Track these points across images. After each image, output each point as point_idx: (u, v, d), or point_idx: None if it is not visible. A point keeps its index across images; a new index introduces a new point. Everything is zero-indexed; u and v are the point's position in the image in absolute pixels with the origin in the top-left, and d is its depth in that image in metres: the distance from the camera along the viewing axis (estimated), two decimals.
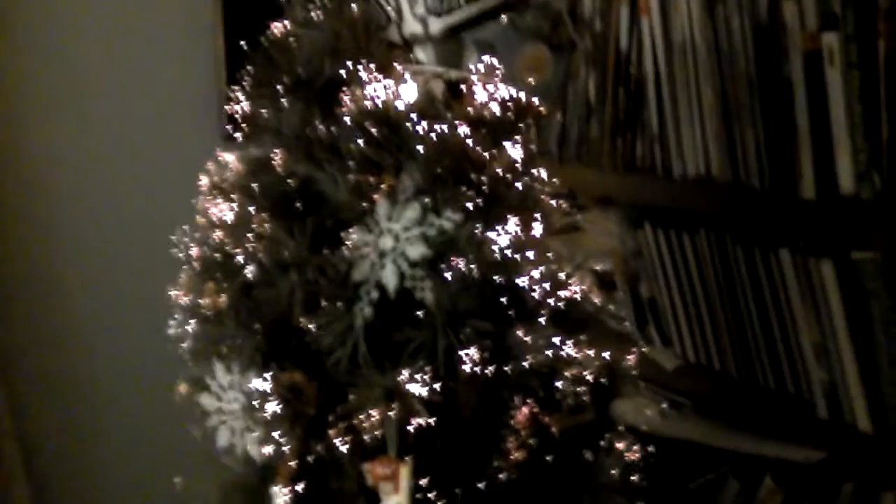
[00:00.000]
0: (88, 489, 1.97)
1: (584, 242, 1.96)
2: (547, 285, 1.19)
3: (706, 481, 1.84)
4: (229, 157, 1.37)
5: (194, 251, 1.32)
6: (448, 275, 1.17)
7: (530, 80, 1.22)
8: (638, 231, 1.96)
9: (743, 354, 1.83)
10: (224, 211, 1.29)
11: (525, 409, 1.23)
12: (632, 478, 1.28)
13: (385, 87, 1.19)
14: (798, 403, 1.76)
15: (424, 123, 1.19)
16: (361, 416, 1.18)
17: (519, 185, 1.19)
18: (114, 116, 1.93)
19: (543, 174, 1.23)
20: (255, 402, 1.23)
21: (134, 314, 1.90)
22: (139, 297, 1.87)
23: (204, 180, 1.35)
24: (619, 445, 1.28)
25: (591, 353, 1.25)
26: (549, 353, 1.18)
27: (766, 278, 1.76)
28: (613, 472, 1.26)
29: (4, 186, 1.85)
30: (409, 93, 1.20)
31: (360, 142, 1.20)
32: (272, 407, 1.21)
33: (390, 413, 1.16)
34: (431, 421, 1.16)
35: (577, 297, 1.22)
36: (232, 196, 1.29)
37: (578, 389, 1.24)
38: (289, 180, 1.26)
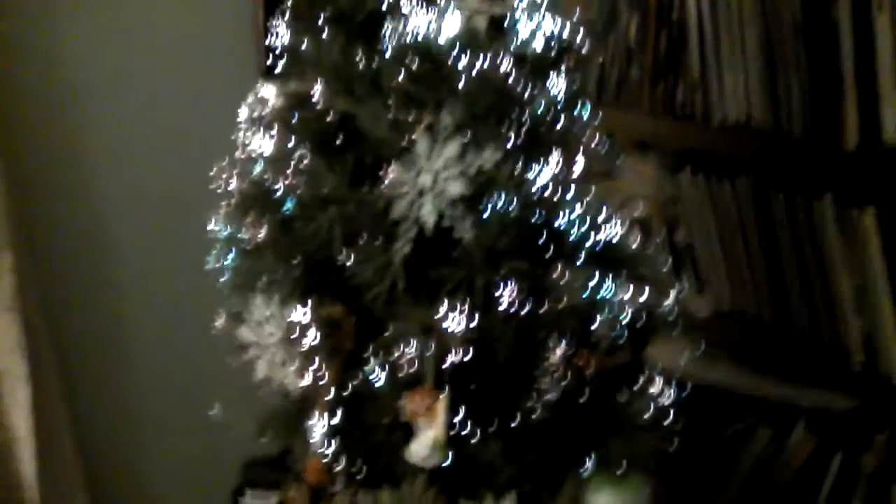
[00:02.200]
0: (126, 421, 2.01)
1: (621, 187, 1.94)
2: (586, 225, 1.19)
3: (738, 428, 1.85)
4: (269, 91, 1.37)
5: (234, 184, 1.32)
6: (487, 213, 1.17)
7: (575, 16, 1.20)
8: (676, 177, 1.94)
9: (779, 301, 1.82)
10: (264, 144, 1.29)
11: (560, 349, 1.23)
12: (664, 421, 1.28)
13: (427, 20, 1.18)
14: (833, 352, 1.75)
15: (466, 59, 1.17)
16: (398, 351, 1.19)
17: (560, 123, 1.18)
18: (150, 50, 1.92)
19: (586, 113, 1.22)
20: (293, 335, 1.24)
21: (172, 247, 1.92)
22: (177, 231, 1.89)
23: (244, 113, 1.35)
24: (653, 388, 1.28)
25: (629, 294, 1.24)
26: (586, 293, 1.17)
27: (806, 226, 1.74)
28: (646, 414, 1.26)
29: (42, 120, 1.87)
30: (451, 27, 1.18)
31: (401, 77, 1.19)
32: (310, 340, 1.22)
33: (427, 348, 1.17)
34: (467, 357, 1.17)
35: (616, 238, 1.21)
36: (272, 130, 1.29)
37: (614, 331, 1.24)
38: (328, 115, 1.26)
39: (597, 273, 1.19)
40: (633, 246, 1.25)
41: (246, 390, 1.38)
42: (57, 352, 1.80)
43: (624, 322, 1.25)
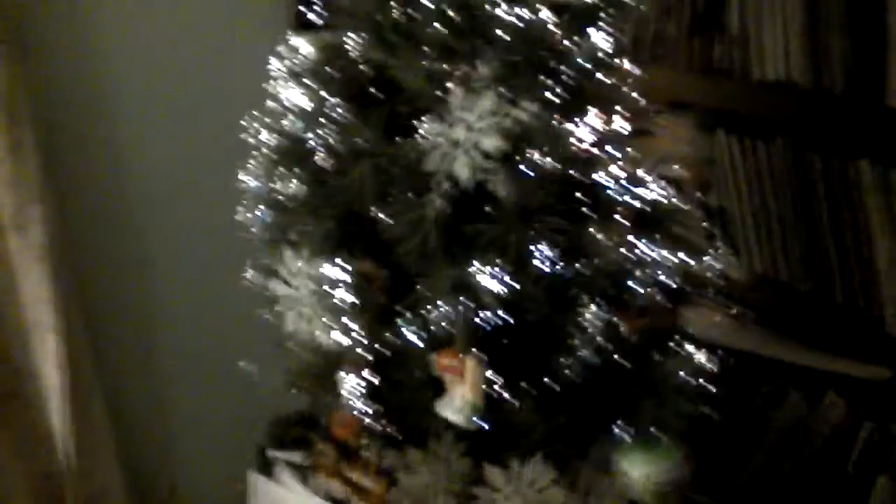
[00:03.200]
0: (152, 376, 2.01)
1: (655, 146, 1.90)
2: (624, 184, 1.16)
3: (768, 391, 1.83)
4: (302, 43, 1.34)
5: (265, 137, 1.30)
6: (522, 168, 1.14)
7: None
8: (711, 137, 1.90)
9: (813, 267, 1.79)
10: (297, 96, 1.26)
11: (594, 308, 1.21)
12: (697, 383, 1.26)
13: None
14: (867, 319, 1.72)
15: (504, 7, 1.14)
16: (430, 307, 1.17)
17: (602, 76, 1.15)
18: (182, 10, 1.90)
19: (628, 67, 1.19)
20: (324, 289, 1.23)
21: (202, 201, 1.90)
22: (207, 185, 1.87)
23: (276, 65, 1.33)
24: (686, 352, 1.26)
25: (665, 254, 1.22)
26: (622, 252, 1.15)
27: (843, 189, 1.70)
28: (680, 376, 1.25)
29: (71, 79, 1.85)
30: None
31: (436, 26, 1.16)
32: (342, 294, 1.21)
33: (459, 305, 1.15)
34: (500, 315, 1.16)
35: (654, 198, 1.18)
36: (305, 82, 1.27)
37: (650, 291, 1.22)
38: (362, 66, 1.23)
39: (633, 233, 1.16)
40: (671, 206, 1.22)
41: (275, 345, 1.37)
42: (85, 305, 1.80)
43: (659, 283, 1.23)
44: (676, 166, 1.84)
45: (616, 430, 1.24)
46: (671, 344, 1.27)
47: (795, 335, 1.85)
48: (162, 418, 2.03)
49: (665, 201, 1.21)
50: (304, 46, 1.35)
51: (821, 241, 1.75)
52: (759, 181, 1.83)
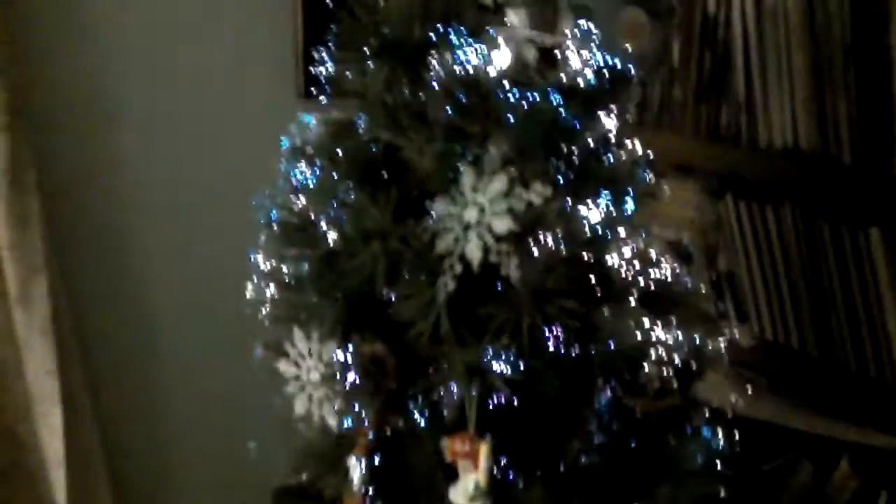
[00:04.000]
0: (160, 445, 1.99)
1: (660, 211, 1.90)
2: (637, 264, 1.15)
3: (779, 463, 1.80)
4: (311, 120, 1.34)
5: (275, 215, 1.30)
6: (535, 250, 1.13)
7: (627, 46, 1.17)
8: (718, 202, 1.90)
9: (823, 334, 1.77)
10: (307, 175, 1.26)
11: (608, 393, 1.19)
12: (716, 464, 1.24)
13: (475, 52, 1.15)
14: (880, 389, 1.70)
15: (515, 91, 1.14)
16: (442, 392, 1.16)
17: (611, 157, 1.14)
18: (187, 72, 1.90)
19: (637, 146, 1.18)
20: (334, 372, 1.21)
21: (209, 274, 1.90)
22: (214, 258, 1.87)
23: (286, 142, 1.33)
24: (703, 432, 1.24)
25: (680, 335, 1.21)
26: (636, 335, 1.14)
27: (853, 257, 1.69)
28: (697, 458, 1.23)
29: (75, 147, 1.85)
30: (500, 59, 1.15)
31: (448, 109, 1.16)
32: (352, 377, 1.19)
33: (471, 389, 1.14)
34: (512, 400, 1.14)
35: (668, 277, 1.18)
36: (314, 160, 1.26)
37: (664, 373, 1.21)
38: (372, 146, 1.23)
39: (648, 313, 1.15)
40: (681, 285, 1.21)
41: (280, 420, 1.35)
42: (90, 376, 1.78)
43: (675, 362, 1.21)
44: (680, 232, 1.85)
45: None
46: (687, 423, 1.25)
47: (808, 402, 1.83)
48: (164, 490, 2.00)
49: (676, 280, 1.19)
50: (312, 122, 1.35)
51: (831, 308, 1.74)
52: (768, 246, 1.83)
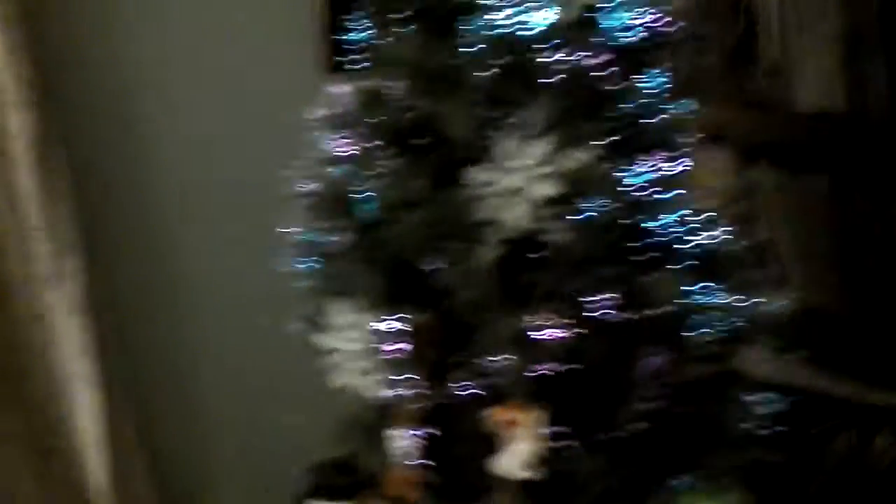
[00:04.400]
0: (196, 422, 1.98)
1: (691, 180, 1.87)
2: (683, 228, 1.13)
3: (820, 430, 1.78)
4: (343, 89, 1.32)
5: (311, 187, 1.28)
6: (579, 215, 1.11)
7: (671, 5, 1.14)
8: (750, 169, 1.87)
9: (860, 300, 1.75)
10: (343, 146, 1.24)
11: (656, 358, 1.17)
12: (760, 431, 1.22)
13: (513, 12, 1.12)
14: None
15: (556, 52, 1.12)
16: (487, 360, 1.14)
17: (657, 119, 1.12)
18: (210, 50, 1.89)
19: (687, 106, 1.16)
20: (375, 343, 1.20)
21: (243, 248, 1.88)
22: (248, 232, 1.85)
23: (318, 113, 1.31)
24: (748, 397, 1.22)
25: (724, 300, 1.18)
26: (681, 299, 1.12)
27: (891, 219, 1.67)
28: (742, 424, 1.21)
29: (109, 125, 1.84)
30: (539, 18, 1.12)
31: (485, 73, 1.14)
32: (394, 348, 1.18)
33: (517, 357, 1.12)
34: (559, 367, 1.12)
35: (716, 241, 1.15)
36: (350, 129, 1.24)
37: (712, 338, 1.18)
38: (409, 114, 1.21)
39: (696, 278, 1.13)
40: (730, 250, 1.19)
41: (317, 393, 1.34)
42: (125, 356, 1.77)
43: (722, 328, 1.19)
44: (711, 200, 1.82)
45: (679, 481, 1.20)
46: (732, 390, 1.22)
47: (845, 370, 1.81)
48: (202, 469, 1.99)
49: (721, 243, 1.17)
50: (342, 93, 1.32)
51: (867, 274, 1.71)
52: (802, 213, 1.80)
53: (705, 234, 1.14)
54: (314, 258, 1.28)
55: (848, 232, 1.75)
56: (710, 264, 1.15)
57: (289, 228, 1.33)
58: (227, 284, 1.93)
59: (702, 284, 1.13)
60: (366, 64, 1.25)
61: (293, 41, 1.91)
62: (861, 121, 1.69)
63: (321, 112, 1.30)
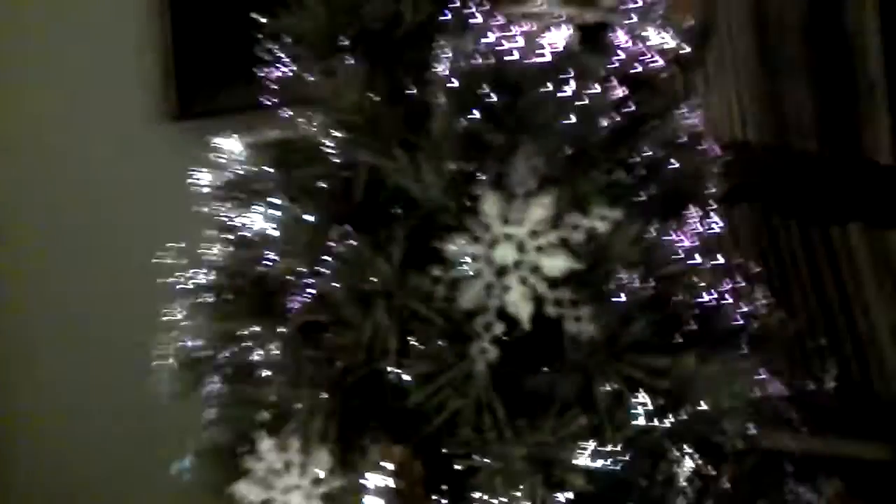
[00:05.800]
0: None
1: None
2: (727, 301, 0.89)
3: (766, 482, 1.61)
4: (232, 143, 0.99)
5: (208, 278, 0.93)
6: (603, 296, 0.85)
7: (684, 25, 0.90)
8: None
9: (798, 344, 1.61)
10: (255, 219, 0.91)
11: (689, 460, 0.93)
12: None
13: (497, 36, 0.85)
14: (865, 395, 1.55)
15: (553, 84, 0.85)
16: (495, 496, 0.84)
17: (686, 164, 0.88)
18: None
19: (714, 148, 0.93)
20: (330, 491, 0.87)
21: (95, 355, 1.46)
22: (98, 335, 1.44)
23: (207, 178, 0.96)
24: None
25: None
26: (740, 387, 0.88)
27: (825, 256, 1.54)
28: None
29: None
30: (530, 44, 0.85)
31: (461, 114, 0.86)
32: (359, 496, 0.85)
33: (538, 488, 0.84)
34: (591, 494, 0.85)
35: (760, 310, 0.92)
36: (264, 198, 0.91)
37: (747, 427, 0.96)
38: (350, 171, 0.90)
39: (749, 360, 0.90)
40: (772, 319, 0.96)
41: None
42: None
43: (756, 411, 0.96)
44: None
45: None
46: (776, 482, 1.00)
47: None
48: None
49: (769, 313, 0.95)
50: (235, 147, 0.99)
51: (806, 315, 1.58)
52: (728, 252, 1.64)
53: (751, 302, 0.91)
54: (223, 378, 0.93)
55: (778, 270, 1.60)
56: (761, 340, 0.92)
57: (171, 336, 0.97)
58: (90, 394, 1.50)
59: (759, 364, 0.89)
60: (280, 107, 0.92)
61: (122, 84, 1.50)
62: (785, 152, 1.55)
63: (214, 176, 0.96)
